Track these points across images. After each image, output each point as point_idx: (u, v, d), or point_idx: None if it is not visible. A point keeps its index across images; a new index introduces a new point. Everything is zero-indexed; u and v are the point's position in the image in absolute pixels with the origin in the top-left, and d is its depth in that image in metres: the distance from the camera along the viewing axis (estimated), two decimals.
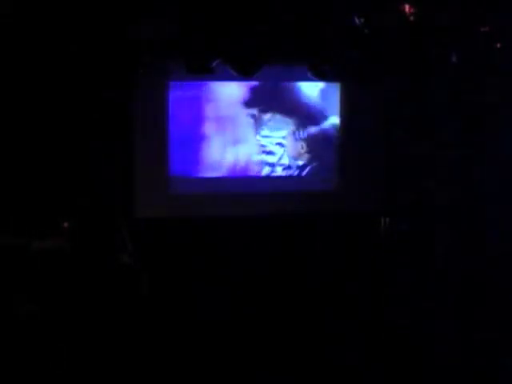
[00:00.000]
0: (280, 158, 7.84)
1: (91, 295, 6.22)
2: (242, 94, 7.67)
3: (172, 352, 5.61)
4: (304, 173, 7.90)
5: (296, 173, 7.88)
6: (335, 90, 7.83)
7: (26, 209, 6.70)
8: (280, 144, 7.82)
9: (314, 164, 7.90)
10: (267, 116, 7.73)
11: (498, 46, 6.14)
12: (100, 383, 5.17)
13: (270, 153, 7.80)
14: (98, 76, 6.76)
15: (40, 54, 6.20)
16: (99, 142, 7.08)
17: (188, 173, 7.65)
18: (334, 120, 7.88)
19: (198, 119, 7.63)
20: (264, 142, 7.78)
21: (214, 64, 6.45)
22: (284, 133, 7.81)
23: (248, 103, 7.70)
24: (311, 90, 7.79)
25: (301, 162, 7.88)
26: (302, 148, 7.87)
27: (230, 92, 7.65)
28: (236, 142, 7.72)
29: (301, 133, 7.83)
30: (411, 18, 5.48)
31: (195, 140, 7.63)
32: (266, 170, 7.81)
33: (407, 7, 5.48)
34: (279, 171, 7.85)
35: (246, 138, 7.73)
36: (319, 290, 6.89)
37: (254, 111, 7.71)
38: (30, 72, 6.59)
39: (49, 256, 6.24)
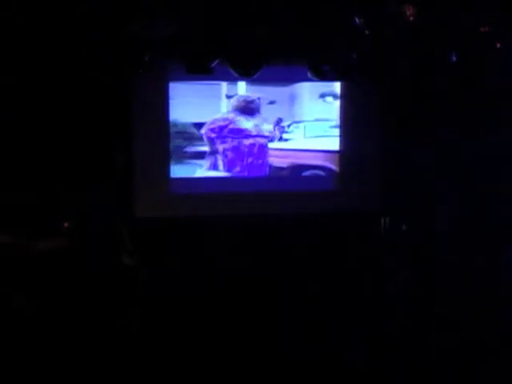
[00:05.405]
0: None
1: (91, 294, 6.23)
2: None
3: (171, 351, 5.61)
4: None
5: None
6: None
7: (27, 209, 6.70)
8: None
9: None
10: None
11: (498, 45, 6.13)
12: (100, 383, 5.17)
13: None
14: (98, 75, 6.76)
15: (40, 53, 6.20)
16: (99, 141, 7.08)
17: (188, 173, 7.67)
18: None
19: None
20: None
21: (214, 64, 6.45)
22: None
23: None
24: None
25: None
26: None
27: None
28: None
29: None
30: (411, 18, 5.48)
31: None
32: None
33: (407, 7, 5.47)
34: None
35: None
36: (319, 290, 6.89)
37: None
38: (29, 73, 6.58)
39: (49, 256, 6.25)
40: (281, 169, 7.86)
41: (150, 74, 6.72)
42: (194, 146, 7.62)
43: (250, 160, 7.72)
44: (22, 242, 6.17)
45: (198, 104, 7.54)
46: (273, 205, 7.65)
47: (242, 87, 7.62)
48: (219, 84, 7.54)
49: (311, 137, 7.86)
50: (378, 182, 7.89)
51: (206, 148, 7.65)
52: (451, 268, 7.05)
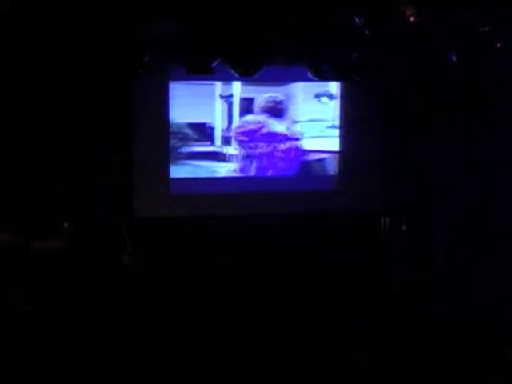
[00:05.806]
0: None
1: (91, 294, 6.23)
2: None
3: (171, 351, 5.62)
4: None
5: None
6: None
7: (27, 209, 6.70)
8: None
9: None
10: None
11: (498, 45, 6.13)
12: (99, 382, 5.18)
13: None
14: (98, 75, 6.76)
15: (40, 53, 6.20)
16: (99, 141, 7.08)
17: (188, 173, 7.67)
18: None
19: None
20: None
21: (214, 64, 6.45)
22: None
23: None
24: None
25: None
26: None
27: None
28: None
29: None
30: (411, 19, 5.47)
31: None
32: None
33: (407, 7, 5.47)
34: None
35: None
36: (319, 290, 6.89)
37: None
38: (29, 73, 6.58)
39: (49, 256, 6.25)
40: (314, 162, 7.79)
41: (150, 74, 6.72)
42: (188, 146, 7.61)
43: (287, 164, 7.66)
44: (22, 242, 6.17)
45: (192, 104, 7.51)
46: (273, 205, 7.65)
47: (236, 87, 7.60)
48: (213, 84, 7.53)
49: (308, 137, 7.85)
50: (379, 182, 7.89)
51: (201, 149, 7.64)
52: (451, 268, 7.05)
